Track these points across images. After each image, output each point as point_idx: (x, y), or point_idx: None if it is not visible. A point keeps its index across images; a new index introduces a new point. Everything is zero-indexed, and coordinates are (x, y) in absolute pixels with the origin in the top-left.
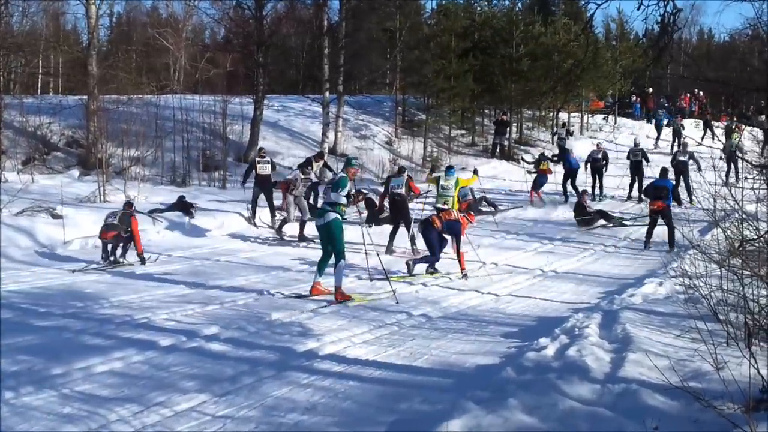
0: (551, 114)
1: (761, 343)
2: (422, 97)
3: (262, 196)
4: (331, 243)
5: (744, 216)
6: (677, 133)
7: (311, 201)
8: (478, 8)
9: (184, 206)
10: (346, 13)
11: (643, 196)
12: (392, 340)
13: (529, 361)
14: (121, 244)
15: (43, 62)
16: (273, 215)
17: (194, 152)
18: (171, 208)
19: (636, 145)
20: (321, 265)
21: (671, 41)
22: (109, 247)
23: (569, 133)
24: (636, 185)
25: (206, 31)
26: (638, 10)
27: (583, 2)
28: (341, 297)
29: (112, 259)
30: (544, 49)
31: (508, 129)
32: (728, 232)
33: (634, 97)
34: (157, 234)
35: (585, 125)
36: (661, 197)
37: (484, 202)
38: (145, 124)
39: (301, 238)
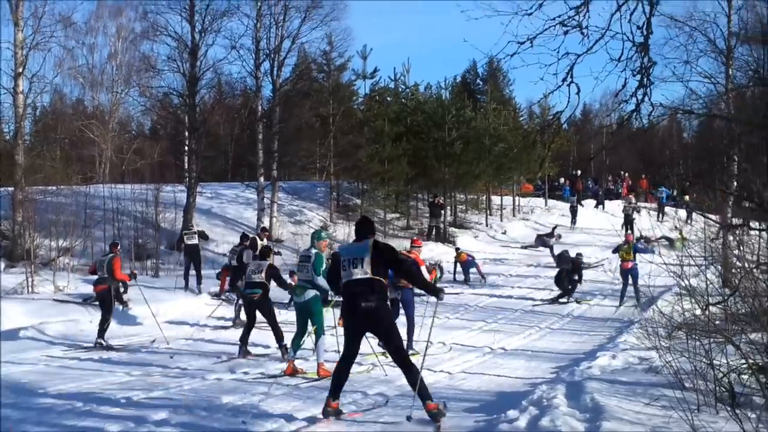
0: (484, 197)
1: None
2: (356, 182)
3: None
4: (311, 319)
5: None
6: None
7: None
8: (410, 94)
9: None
10: (279, 99)
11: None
12: (352, 419)
13: None
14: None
15: None
16: (199, 282)
17: (126, 241)
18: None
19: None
20: (295, 344)
21: (649, 94)
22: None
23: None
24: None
25: (132, 122)
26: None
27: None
28: (324, 373)
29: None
30: (475, 132)
31: (442, 212)
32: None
33: (563, 179)
34: (90, 323)
35: (517, 207)
36: None
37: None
38: (74, 214)
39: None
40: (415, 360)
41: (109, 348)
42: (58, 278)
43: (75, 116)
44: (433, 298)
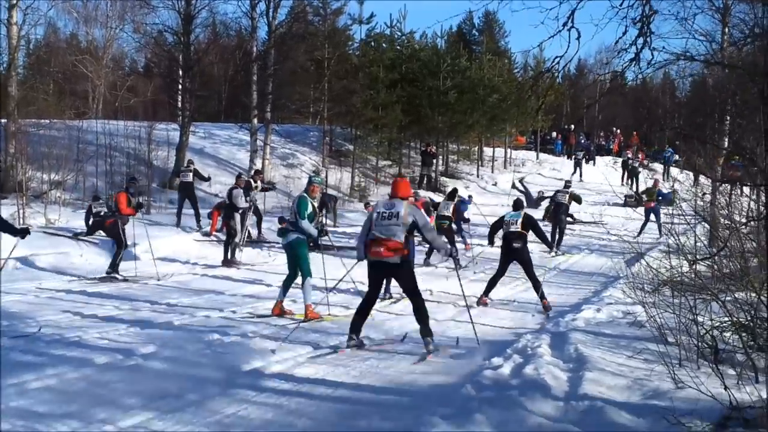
0: (476, 148)
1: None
2: (349, 127)
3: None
4: (297, 262)
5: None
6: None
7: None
8: (405, 41)
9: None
10: (274, 41)
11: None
12: (339, 360)
13: (486, 379)
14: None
15: None
16: (198, 220)
17: (118, 177)
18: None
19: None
20: (285, 285)
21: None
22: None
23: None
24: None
25: (126, 59)
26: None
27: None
28: (312, 315)
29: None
30: (470, 82)
31: (434, 161)
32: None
33: (555, 134)
34: (81, 257)
35: (508, 160)
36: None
37: None
38: (67, 148)
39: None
40: None
41: (125, 279)
42: (49, 211)
43: (69, 50)
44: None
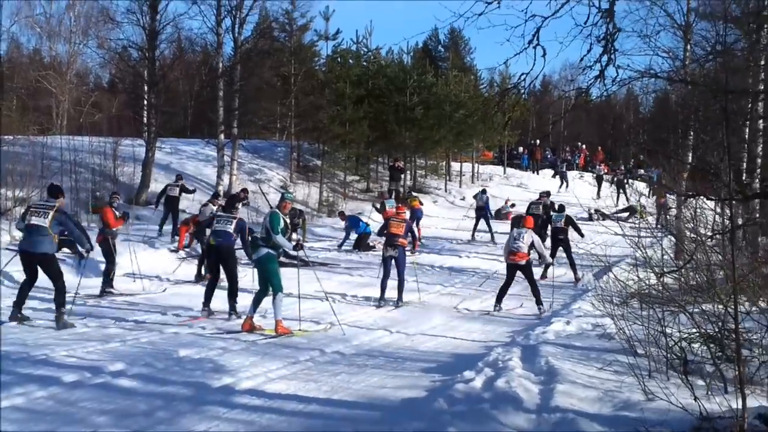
0: (443, 163)
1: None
2: (317, 143)
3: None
4: (267, 277)
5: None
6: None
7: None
8: (372, 57)
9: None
10: (240, 57)
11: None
12: (310, 375)
13: (458, 392)
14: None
15: None
16: (173, 234)
17: (83, 194)
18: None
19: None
20: (256, 300)
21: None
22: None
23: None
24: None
25: (90, 75)
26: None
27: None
28: (282, 330)
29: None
30: (436, 98)
31: (402, 176)
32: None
33: (522, 149)
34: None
35: (476, 174)
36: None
37: None
38: (31, 164)
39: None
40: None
41: (120, 294)
42: (13, 229)
43: (32, 66)
44: None
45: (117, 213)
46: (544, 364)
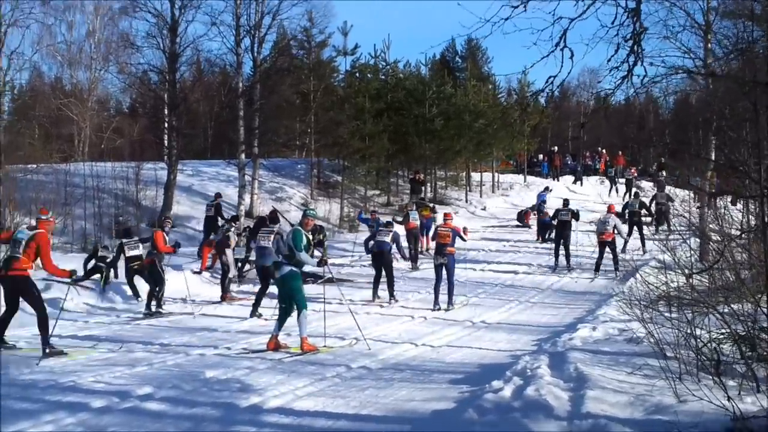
0: (463, 174)
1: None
2: (337, 159)
3: None
4: (291, 295)
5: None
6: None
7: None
8: (390, 70)
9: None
10: (259, 76)
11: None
12: (337, 391)
13: (488, 402)
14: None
15: None
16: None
17: (106, 219)
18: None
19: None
20: (281, 319)
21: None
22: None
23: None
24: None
25: (111, 100)
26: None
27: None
28: (308, 347)
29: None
30: (455, 109)
31: (423, 188)
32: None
33: (542, 156)
34: (71, 301)
35: (496, 184)
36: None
37: None
38: (54, 192)
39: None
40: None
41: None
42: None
43: (53, 94)
44: None
45: (167, 238)
46: (573, 370)
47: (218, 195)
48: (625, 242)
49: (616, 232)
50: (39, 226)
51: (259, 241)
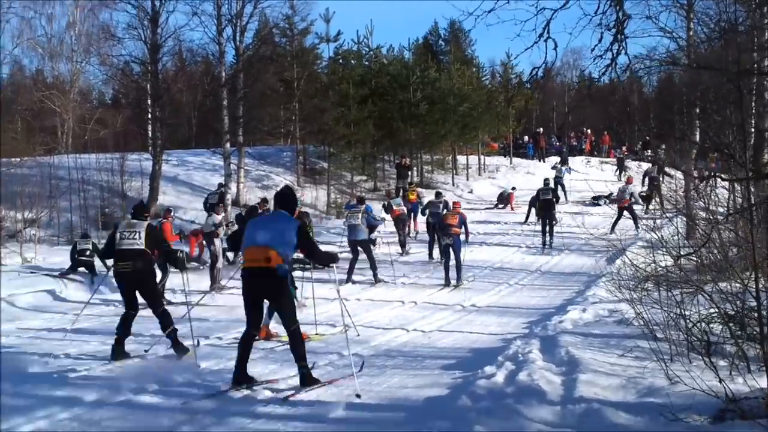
0: (449, 157)
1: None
2: (322, 145)
3: None
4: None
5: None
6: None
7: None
8: (374, 56)
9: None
10: (242, 64)
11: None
12: (330, 380)
13: (481, 389)
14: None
15: None
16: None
17: (92, 211)
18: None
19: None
20: (270, 308)
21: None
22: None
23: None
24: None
25: (94, 92)
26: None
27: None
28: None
29: None
30: (440, 93)
31: (409, 172)
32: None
33: (527, 138)
34: (60, 293)
35: (482, 166)
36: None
37: None
38: (39, 185)
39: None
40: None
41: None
42: (25, 250)
43: (35, 87)
44: None
45: (173, 228)
46: (564, 354)
47: (221, 185)
48: (646, 206)
49: (633, 199)
50: None
51: (348, 219)
